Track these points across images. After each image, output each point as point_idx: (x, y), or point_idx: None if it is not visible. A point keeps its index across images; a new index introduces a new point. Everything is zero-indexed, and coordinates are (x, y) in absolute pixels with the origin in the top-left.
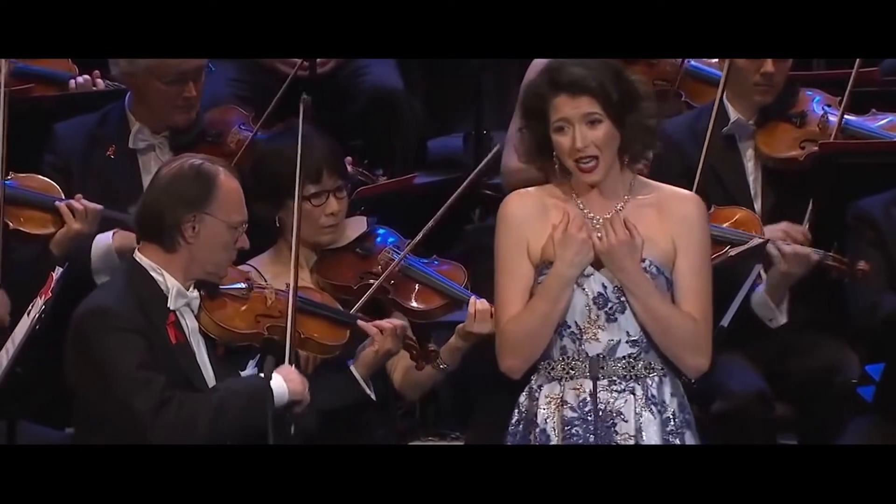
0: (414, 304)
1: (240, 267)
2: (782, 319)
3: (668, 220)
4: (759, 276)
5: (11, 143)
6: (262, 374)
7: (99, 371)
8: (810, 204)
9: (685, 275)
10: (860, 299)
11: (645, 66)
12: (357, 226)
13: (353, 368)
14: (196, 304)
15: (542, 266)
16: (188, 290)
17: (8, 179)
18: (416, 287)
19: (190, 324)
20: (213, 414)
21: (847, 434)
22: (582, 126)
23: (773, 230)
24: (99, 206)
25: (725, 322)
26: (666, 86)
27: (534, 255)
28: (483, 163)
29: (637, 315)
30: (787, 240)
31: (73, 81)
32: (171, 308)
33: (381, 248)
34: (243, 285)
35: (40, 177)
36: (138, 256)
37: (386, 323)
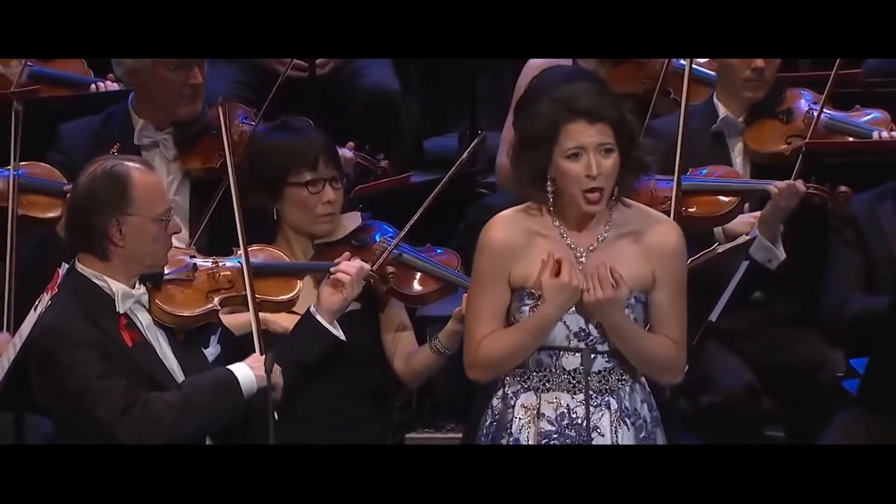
0: (410, 288)
1: (216, 256)
2: (781, 256)
3: (648, 250)
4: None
5: (19, 142)
6: (228, 367)
7: (62, 391)
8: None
9: (664, 303)
10: (831, 297)
11: (634, 66)
12: (352, 220)
13: (318, 317)
14: (145, 299)
15: (520, 292)
16: (133, 287)
17: (18, 169)
18: (412, 272)
19: (144, 320)
20: (179, 410)
21: (832, 427)
22: (597, 154)
23: (746, 219)
24: None
25: (714, 317)
26: (653, 84)
27: (515, 281)
28: (466, 153)
29: (616, 346)
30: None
31: (93, 86)
32: (121, 311)
33: (377, 239)
34: (187, 266)
35: (44, 164)
36: (79, 267)
37: (347, 267)
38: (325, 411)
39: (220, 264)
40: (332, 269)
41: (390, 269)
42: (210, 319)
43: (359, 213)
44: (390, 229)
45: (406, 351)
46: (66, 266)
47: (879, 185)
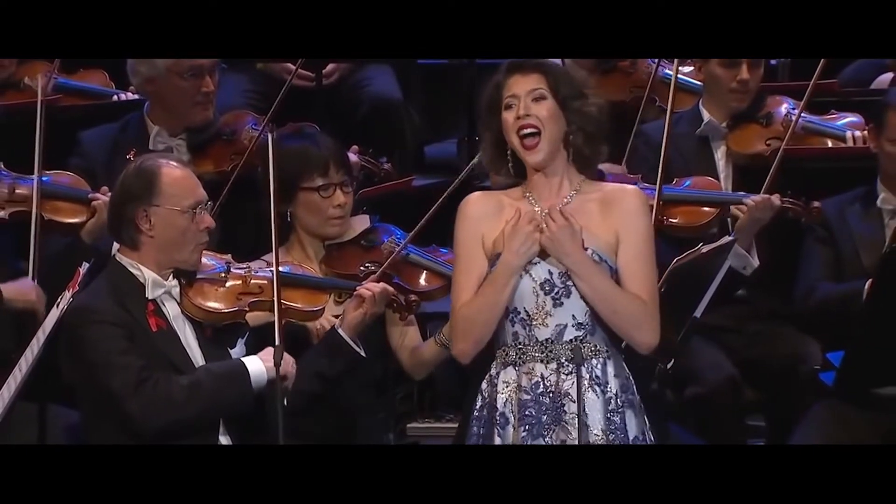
0: (417, 285)
1: (250, 262)
2: (755, 263)
3: (610, 212)
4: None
5: (37, 141)
6: (241, 358)
7: (83, 363)
8: (763, 188)
9: (629, 261)
10: (801, 286)
11: (622, 75)
12: (361, 222)
13: (340, 331)
14: (176, 291)
15: (494, 258)
16: (166, 279)
17: (43, 176)
18: (419, 271)
19: (171, 310)
20: (189, 392)
21: (809, 417)
22: (527, 100)
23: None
24: None
25: (698, 313)
26: (641, 92)
27: (487, 248)
28: (475, 159)
29: (584, 296)
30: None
31: (115, 96)
32: (150, 297)
33: (385, 240)
34: (221, 269)
35: (69, 172)
36: (117, 256)
37: (371, 287)
38: (330, 403)
39: (253, 271)
40: (356, 288)
41: (413, 297)
42: (236, 319)
43: (367, 217)
44: (398, 231)
45: (412, 345)
46: (87, 265)
47: (849, 188)
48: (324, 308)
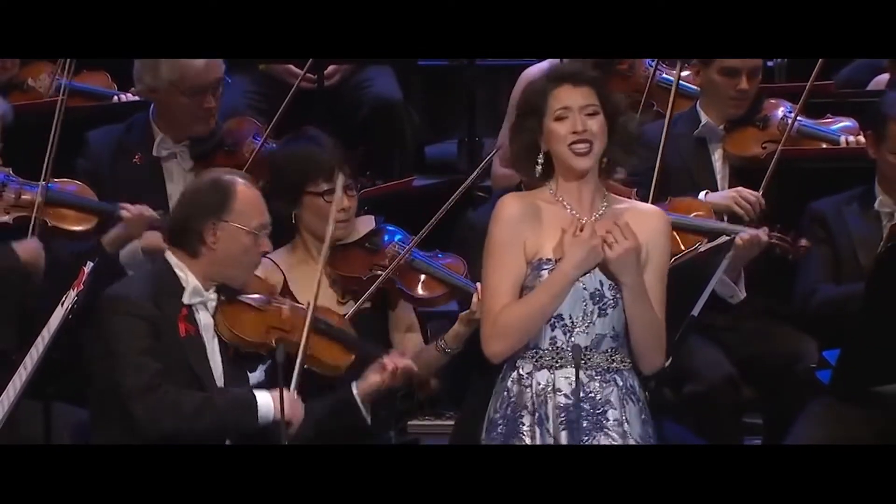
0: (420, 292)
1: (262, 271)
2: (741, 295)
3: (640, 229)
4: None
5: (48, 148)
6: (254, 391)
7: (104, 349)
8: (760, 189)
9: (651, 280)
10: (802, 286)
11: (620, 79)
12: (366, 223)
13: (355, 392)
14: (212, 304)
15: (536, 262)
16: (207, 290)
17: (50, 183)
18: (422, 277)
19: (204, 320)
20: (196, 408)
21: (805, 414)
22: (582, 115)
23: (726, 193)
24: (152, 214)
25: (696, 312)
26: (639, 96)
27: (529, 250)
28: (480, 167)
29: (630, 315)
30: (738, 198)
31: (116, 97)
32: (185, 302)
33: (389, 243)
34: (263, 298)
35: (76, 181)
36: (167, 255)
37: (396, 361)
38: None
39: (292, 308)
40: (384, 358)
41: (434, 382)
42: (259, 350)
43: (372, 217)
44: (402, 233)
45: (413, 349)
46: (91, 264)
47: (844, 189)
48: (346, 368)
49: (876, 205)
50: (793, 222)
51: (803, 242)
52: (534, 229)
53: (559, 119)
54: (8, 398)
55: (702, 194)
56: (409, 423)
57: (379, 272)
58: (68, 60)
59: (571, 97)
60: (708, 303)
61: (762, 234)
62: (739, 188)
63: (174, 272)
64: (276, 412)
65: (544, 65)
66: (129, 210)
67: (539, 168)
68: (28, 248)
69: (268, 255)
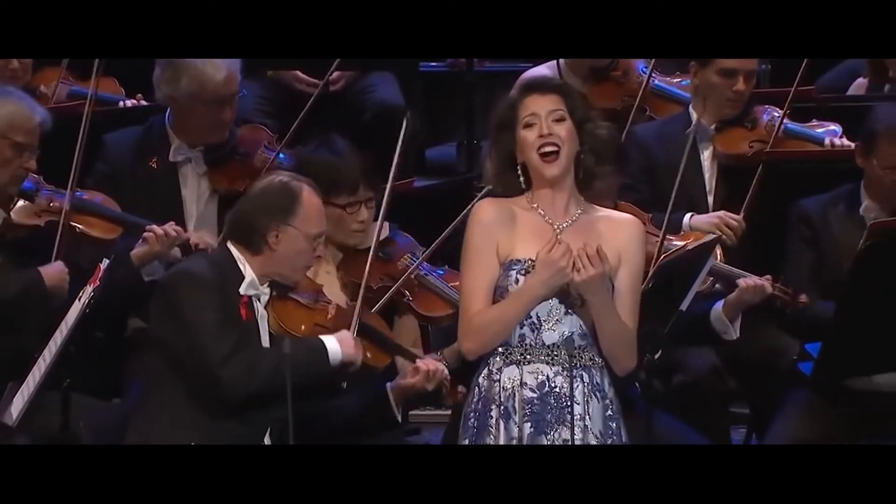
0: (425, 310)
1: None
2: (734, 335)
3: (615, 236)
4: (713, 277)
5: (66, 153)
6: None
7: (180, 323)
8: (747, 198)
9: (624, 288)
10: (788, 283)
11: (614, 84)
12: (381, 230)
13: (389, 392)
14: (265, 299)
15: (507, 262)
16: (262, 284)
17: (78, 192)
18: (429, 295)
19: (260, 310)
20: (273, 367)
21: (788, 404)
22: (549, 120)
23: (710, 217)
24: (181, 234)
25: (684, 307)
26: (632, 101)
27: (502, 252)
28: (484, 191)
29: (597, 325)
30: (721, 224)
31: (122, 103)
32: (241, 293)
33: (401, 254)
34: (312, 296)
35: (101, 193)
36: (229, 245)
37: (430, 365)
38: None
39: (340, 309)
40: (418, 362)
41: (461, 388)
42: None
43: (387, 224)
44: (413, 243)
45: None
46: (107, 261)
47: (828, 189)
48: (382, 369)
49: (861, 210)
50: (779, 219)
51: (802, 298)
52: (507, 232)
53: (528, 126)
54: (28, 389)
55: (686, 218)
56: (411, 412)
57: (389, 283)
58: (96, 68)
59: (538, 104)
60: (695, 299)
61: (767, 284)
62: (722, 212)
63: (235, 262)
64: (343, 353)
65: (539, 69)
66: (154, 231)
67: (521, 180)
68: (53, 273)
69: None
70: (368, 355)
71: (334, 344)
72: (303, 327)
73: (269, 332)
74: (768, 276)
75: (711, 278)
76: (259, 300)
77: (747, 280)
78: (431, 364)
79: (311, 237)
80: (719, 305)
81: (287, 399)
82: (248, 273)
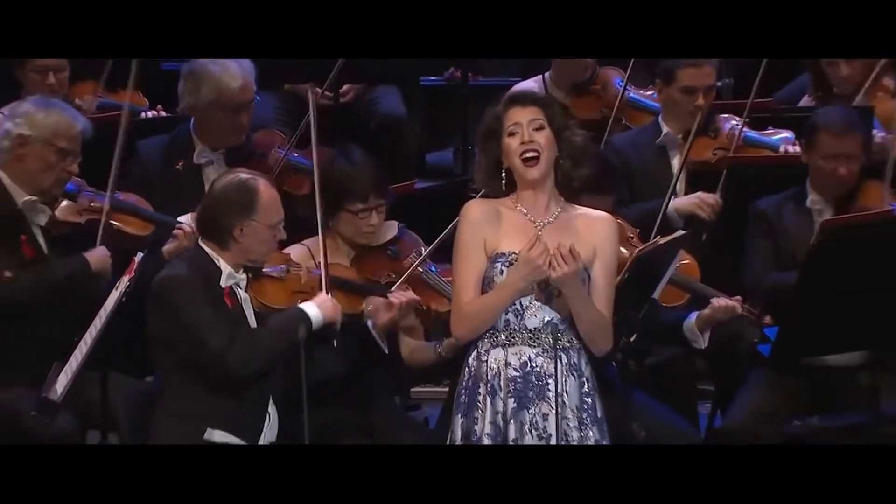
0: (427, 306)
1: (294, 246)
2: (703, 345)
3: (590, 232)
4: (679, 265)
5: (103, 158)
6: (297, 306)
7: (178, 324)
8: (717, 191)
9: (599, 278)
10: (750, 275)
11: (594, 97)
12: (390, 229)
13: (371, 330)
14: (244, 283)
15: (493, 256)
16: (237, 272)
17: (116, 193)
18: (431, 293)
19: (241, 296)
20: (271, 341)
21: (749, 382)
22: (529, 129)
23: (691, 198)
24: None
25: (656, 295)
26: (610, 112)
27: (489, 246)
28: (481, 192)
29: (574, 314)
30: (701, 203)
31: (144, 113)
32: (223, 285)
33: (408, 252)
34: (283, 267)
35: (136, 196)
36: (202, 243)
37: (402, 297)
38: (346, 368)
39: (309, 272)
40: (388, 294)
41: (436, 306)
42: None
43: (396, 223)
44: (418, 241)
45: (413, 345)
46: (141, 254)
47: (782, 190)
48: (361, 311)
49: (808, 203)
50: (741, 217)
51: (767, 319)
52: (493, 229)
53: (511, 135)
54: (70, 369)
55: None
56: (412, 389)
57: (395, 280)
58: (131, 81)
59: (520, 115)
60: (665, 288)
61: (737, 305)
62: (700, 193)
63: (211, 259)
64: (323, 315)
65: (526, 83)
66: (183, 229)
67: (503, 183)
68: (97, 257)
69: (304, 243)
70: (345, 305)
71: (311, 308)
72: (282, 299)
73: (255, 311)
74: (738, 297)
75: (689, 295)
76: (240, 286)
77: (720, 300)
78: (403, 296)
79: (272, 226)
80: (692, 318)
81: (301, 387)
82: (224, 266)
